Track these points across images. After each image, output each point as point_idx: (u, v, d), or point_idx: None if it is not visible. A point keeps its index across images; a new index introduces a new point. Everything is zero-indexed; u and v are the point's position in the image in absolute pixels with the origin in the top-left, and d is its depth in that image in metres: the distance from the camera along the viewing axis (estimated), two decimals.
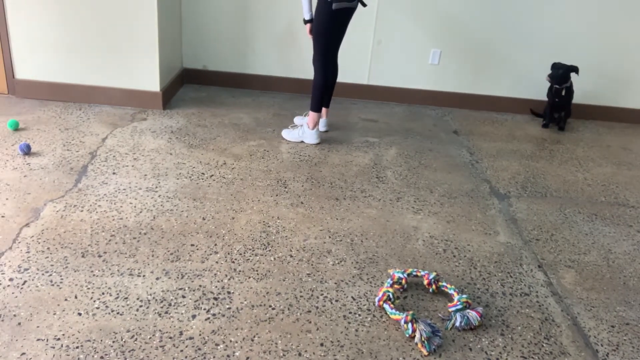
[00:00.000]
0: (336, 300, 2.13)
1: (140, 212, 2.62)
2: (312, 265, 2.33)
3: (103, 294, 2.04)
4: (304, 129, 3.63)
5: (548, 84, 4.41)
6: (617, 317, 2.20)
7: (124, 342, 1.82)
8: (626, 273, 2.52)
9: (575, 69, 4.25)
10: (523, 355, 1.94)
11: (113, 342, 1.81)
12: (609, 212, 3.12)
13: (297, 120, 3.96)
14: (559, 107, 4.40)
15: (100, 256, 2.25)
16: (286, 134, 3.70)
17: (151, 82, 3.95)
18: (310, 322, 1.99)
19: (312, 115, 3.59)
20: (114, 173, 2.99)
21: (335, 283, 2.23)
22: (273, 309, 2.05)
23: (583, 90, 4.65)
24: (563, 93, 4.31)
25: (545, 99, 4.50)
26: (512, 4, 4.44)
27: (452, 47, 4.59)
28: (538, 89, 4.64)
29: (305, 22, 3.49)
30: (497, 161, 3.69)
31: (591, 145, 4.19)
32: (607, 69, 4.66)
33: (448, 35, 4.55)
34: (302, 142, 3.65)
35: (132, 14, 3.76)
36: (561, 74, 4.23)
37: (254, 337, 1.89)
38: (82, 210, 2.58)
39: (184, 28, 4.53)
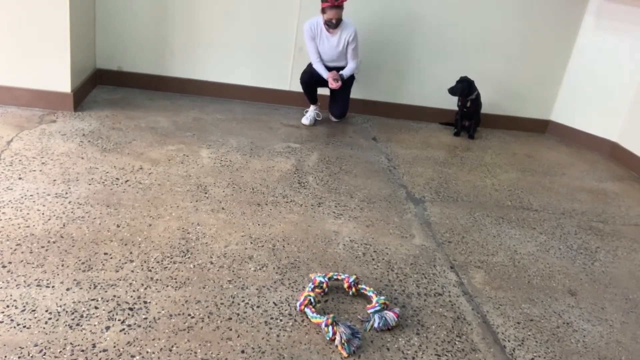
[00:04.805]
0: (257, 307, 2.12)
1: (49, 219, 2.48)
2: (233, 271, 2.31)
3: (8, 306, 1.91)
4: None
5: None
6: (523, 314, 2.35)
7: (32, 357, 1.71)
8: (530, 272, 2.70)
9: (471, 83, 4.51)
10: (437, 353, 2.02)
11: (19, 357, 1.70)
12: (515, 215, 3.33)
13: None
14: (467, 116, 4.67)
15: (4, 267, 2.11)
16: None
17: (61, 82, 3.75)
18: (231, 330, 1.97)
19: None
20: (20, 178, 2.81)
21: (257, 289, 2.22)
22: (192, 317, 2.00)
23: (490, 101, 4.94)
24: (468, 104, 4.57)
25: (456, 108, 4.74)
26: (428, 19, 4.64)
27: (372, 57, 4.72)
28: (450, 99, 4.87)
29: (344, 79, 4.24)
30: (412, 167, 3.83)
31: (498, 153, 4.45)
32: (511, 82, 4.97)
33: (368, 46, 4.67)
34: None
35: (41, 9, 3.55)
36: (460, 88, 4.49)
37: (172, 347, 1.85)
38: None
39: (97, 26, 4.34)
